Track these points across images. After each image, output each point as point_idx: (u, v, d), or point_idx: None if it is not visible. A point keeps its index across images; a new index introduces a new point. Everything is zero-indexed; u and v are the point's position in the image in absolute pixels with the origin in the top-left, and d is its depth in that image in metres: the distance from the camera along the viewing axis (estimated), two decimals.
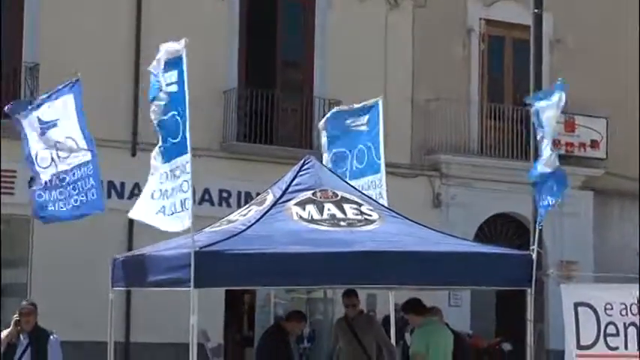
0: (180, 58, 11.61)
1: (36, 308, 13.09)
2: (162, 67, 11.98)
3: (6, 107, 14.31)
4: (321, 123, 16.64)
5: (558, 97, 12.48)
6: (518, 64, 26.85)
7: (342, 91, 25.44)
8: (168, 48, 12.06)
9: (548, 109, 12.78)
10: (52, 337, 12.90)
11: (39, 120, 13.26)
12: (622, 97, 27.58)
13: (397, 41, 28.27)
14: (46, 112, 13.26)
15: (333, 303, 24.43)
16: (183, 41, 11.33)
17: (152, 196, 12.15)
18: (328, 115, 16.75)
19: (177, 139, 11.57)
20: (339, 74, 27.14)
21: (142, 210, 12.47)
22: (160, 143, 11.88)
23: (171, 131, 11.71)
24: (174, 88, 11.75)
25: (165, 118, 11.78)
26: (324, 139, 16.23)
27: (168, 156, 11.79)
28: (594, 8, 28.08)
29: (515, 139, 26.04)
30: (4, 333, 12.69)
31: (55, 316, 21.29)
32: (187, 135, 11.26)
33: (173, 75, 11.75)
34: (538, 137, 12.76)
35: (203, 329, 18.76)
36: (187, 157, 11.21)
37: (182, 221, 11.26)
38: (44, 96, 13.42)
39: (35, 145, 13.35)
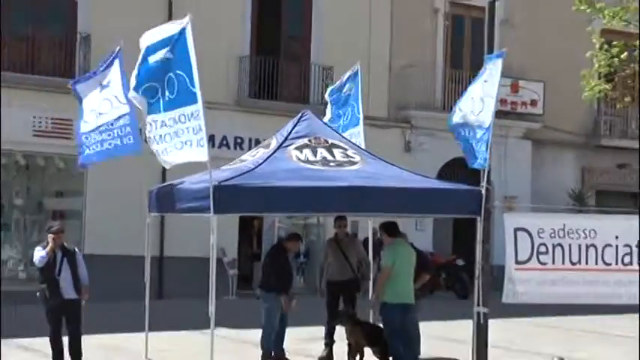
0: (181, 33, 11.76)
1: (62, 230, 13.33)
2: (160, 40, 12.25)
3: (69, 83, 14.79)
4: (326, 96, 16.92)
5: (497, 65, 12.74)
6: (474, 38, 27.41)
7: (334, 58, 26.09)
8: (165, 27, 12.68)
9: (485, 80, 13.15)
10: (77, 251, 13.41)
11: (100, 84, 13.62)
12: (557, 65, 27.96)
13: (378, 18, 28.27)
14: (104, 77, 13.56)
15: (324, 227, 24.69)
16: (187, 17, 11.66)
17: (163, 140, 12.36)
18: (339, 85, 16.74)
19: (177, 94, 11.79)
20: (330, 45, 27.21)
21: (167, 156, 12.75)
22: (151, 99, 12.18)
23: (171, 89, 11.93)
24: (169, 55, 11.92)
25: (160, 79, 12.04)
26: (329, 106, 16.62)
27: (167, 107, 12.00)
28: None
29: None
30: (48, 248, 12.86)
31: (104, 236, 22.82)
32: (196, 90, 11.52)
33: (169, 46, 11.96)
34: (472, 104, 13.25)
35: (221, 247, 19.03)
36: (197, 106, 11.55)
37: (202, 153, 11.74)
38: (102, 66, 13.78)
39: (89, 104, 13.87)
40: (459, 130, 13.35)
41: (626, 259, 12.38)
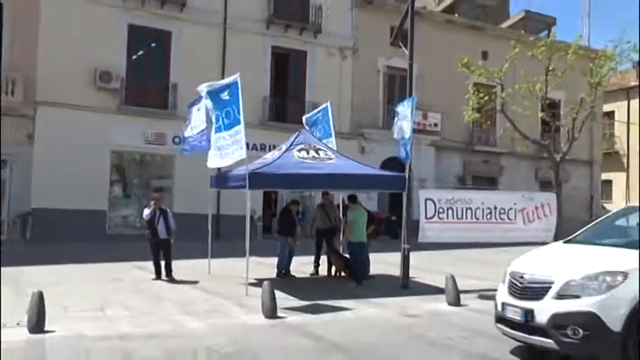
0: (234, 82, 12.13)
1: (161, 197, 14.07)
2: (223, 85, 12.66)
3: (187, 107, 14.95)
4: (306, 119, 16.99)
5: (412, 104, 13.44)
6: (401, 86, 25.82)
7: (319, 98, 24.88)
8: (223, 81, 13.23)
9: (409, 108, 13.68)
10: (168, 210, 14.03)
11: (192, 112, 14.37)
12: (449, 103, 27.38)
13: (345, 75, 28.48)
14: (194, 107, 14.27)
15: (313, 197, 24.32)
16: (238, 74, 12.11)
17: (219, 149, 12.70)
18: (311, 115, 17.19)
19: (230, 120, 12.04)
20: (317, 89, 27.07)
21: (212, 160, 13.19)
22: (219, 124, 12.54)
23: (228, 116, 12.22)
24: (226, 96, 12.30)
25: (223, 111, 12.40)
26: (307, 127, 16.22)
27: (225, 128, 12.25)
28: (438, 61, 27.35)
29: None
30: (151, 208, 13.60)
31: (185, 202, 22.77)
32: (241, 118, 11.79)
33: (227, 90, 12.32)
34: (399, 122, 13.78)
35: (252, 208, 17.97)
36: (241, 126, 11.80)
37: (243, 154, 11.80)
38: (196, 102, 14.26)
39: (189, 121, 14.49)
40: (396, 140, 13.89)
41: (488, 217, 13.14)
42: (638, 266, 6.20)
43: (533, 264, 7.13)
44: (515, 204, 13.28)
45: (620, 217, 8.36)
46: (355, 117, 28.41)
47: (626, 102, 42.86)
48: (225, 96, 12.55)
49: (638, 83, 41.83)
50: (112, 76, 23.63)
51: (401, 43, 15.97)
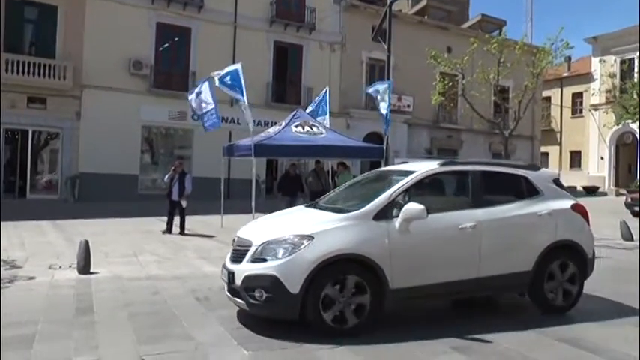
0: (234, 70, 12.36)
1: (181, 164, 13.68)
2: (225, 71, 12.64)
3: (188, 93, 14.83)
4: (310, 106, 16.74)
5: (388, 85, 13.84)
6: (380, 74, 26.94)
7: (312, 83, 26.38)
8: (230, 67, 12.95)
9: (384, 91, 13.96)
10: (187, 174, 13.47)
11: (197, 93, 13.99)
12: (419, 87, 26.30)
13: (334, 64, 28.28)
14: (201, 90, 13.89)
15: (307, 164, 23.46)
16: (240, 63, 12.47)
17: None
18: (311, 103, 17.01)
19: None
20: (311, 76, 27.18)
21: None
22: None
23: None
24: (229, 81, 12.42)
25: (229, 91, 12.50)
26: (309, 108, 16.49)
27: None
28: (411, 54, 26.69)
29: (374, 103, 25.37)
30: (171, 172, 13.36)
31: (203, 168, 22.11)
32: (245, 98, 12.01)
33: (228, 76, 12.42)
34: (380, 101, 14.06)
35: (257, 173, 16.60)
36: (245, 104, 12.03)
37: (250, 123, 12.22)
38: (199, 84, 14.24)
39: (196, 102, 14.06)
40: (381, 116, 14.05)
41: None
42: (329, 228, 5.35)
43: (250, 227, 6.13)
44: None
45: (370, 181, 6.97)
46: (342, 99, 28.22)
47: (559, 89, 43.49)
48: (227, 80, 12.56)
49: (568, 74, 42.42)
50: (143, 65, 23.81)
51: (380, 39, 15.90)
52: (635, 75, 31.95)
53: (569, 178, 40.91)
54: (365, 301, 5.24)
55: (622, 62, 37.03)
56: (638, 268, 8.89)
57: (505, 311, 6.58)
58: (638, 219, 17.54)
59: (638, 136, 34.14)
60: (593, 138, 39.61)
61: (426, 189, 6.02)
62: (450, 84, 15.71)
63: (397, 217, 5.47)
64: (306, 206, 6.79)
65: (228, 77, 12.51)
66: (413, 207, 5.41)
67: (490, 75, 14.82)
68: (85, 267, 8.12)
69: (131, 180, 23.42)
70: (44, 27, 22.50)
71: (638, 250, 11.33)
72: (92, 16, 22.91)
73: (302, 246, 5.19)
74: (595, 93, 38.10)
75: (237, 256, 5.58)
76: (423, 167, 6.15)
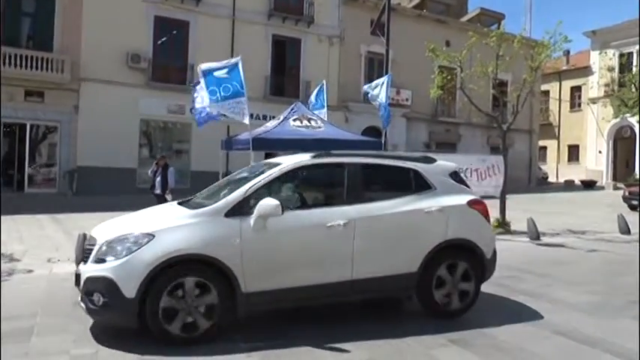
0: (236, 64, 11.70)
1: (164, 157, 13.57)
2: (223, 65, 11.86)
3: (194, 83, 14.06)
4: (312, 97, 16.40)
5: (387, 79, 13.94)
6: (379, 68, 25.00)
7: (310, 77, 26.14)
8: (225, 61, 12.24)
9: (382, 85, 14.11)
10: (170, 168, 13.30)
11: (194, 87, 13.29)
12: (418, 81, 26.41)
13: (333, 57, 28.16)
14: (200, 85, 12.73)
15: None
16: (239, 57, 11.87)
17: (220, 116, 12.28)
18: (314, 94, 16.45)
19: (229, 93, 11.35)
20: (309, 70, 27.07)
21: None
22: (216, 96, 11.51)
23: (226, 91, 11.48)
24: (224, 74, 11.65)
25: (221, 86, 11.57)
26: (310, 100, 16.24)
27: (222, 99, 11.38)
28: (410, 48, 26.46)
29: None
30: (153, 167, 13.36)
31: (201, 161, 22.57)
32: (245, 91, 11.37)
33: (226, 70, 11.71)
34: (378, 95, 14.17)
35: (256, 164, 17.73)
36: (244, 97, 11.35)
37: (247, 121, 11.38)
38: (200, 79, 12.94)
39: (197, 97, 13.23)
40: (380, 110, 14.13)
41: None
42: (173, 226, 4.85)
43: (104, 224, 5.51)
44: (470, 164, 13.21)
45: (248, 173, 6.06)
46: (341, 93, 28.16)
47: (558, 83, 43.51)
48: (222, 74, 11.98)
49: (567, 68, 42.39)
50: (141, 58, 23.68)
51: (379, 33, 15.84)
52: (634, 68, 31.88)
53: (567, 172, 41.02)
54: (213, 305, 4.77)
55: (621, 56, 37.02)
56: (638, 260, 8.89)
57: (499, 304, 6.53)
58: (637, 212, 17.55)
59: (636, 129, 34.15)
60: (592, 132, 39.62)
61: (293, 183, 5.60)
62: (449, 77, 15.57)
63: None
64: (180, 202, 5.95)
65: (224, 71, 11.99)
66: (267, 203, 4.90)
67: (489, 69, 14.75)
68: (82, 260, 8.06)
69: (129, 173, 23.32)
70: (42, 20, 22.36)
71: (636, 244, 11.37)
72: (90, 10, 22.80)
73: (141, 245, 4.68)
74: (593, 87, 38.24)
75: (86, 255, 5.04)
76: (293, 159, 5.62)
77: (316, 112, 15.14)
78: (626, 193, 20.87)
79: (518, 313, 6.04)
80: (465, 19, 36.22)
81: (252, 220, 4.91)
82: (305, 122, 13.70)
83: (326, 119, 14.94)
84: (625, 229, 13.51)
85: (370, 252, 5.31)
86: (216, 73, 11.92)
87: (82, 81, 22.65)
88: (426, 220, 5.61)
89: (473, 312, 6.01)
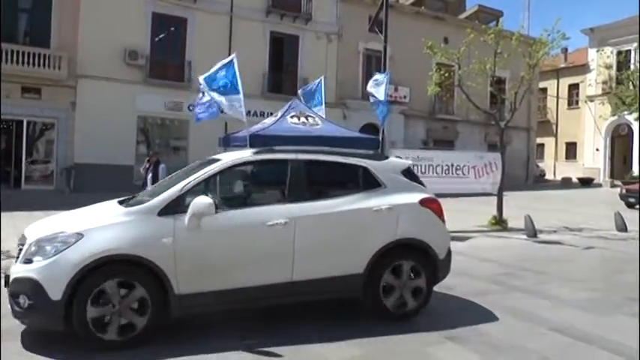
0: (231, 62, 11.51)
1: (156, 154, 13.53)
2: (220, 65, 11.73)
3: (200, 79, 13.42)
4: (303, 92, 15.94)
5: (386, 75, 13.75)
6: (377, 65, 25.25)
7: (308, 73, 25.55)
8: (223, 60, 12.14)
9: (382, 81, 13.86)
10: (161, 164, 13.12)
11: (199, 88, 12.89)
12: (416, 78, 26.47)
13: (330, 55, 28.05)
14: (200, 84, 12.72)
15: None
16: (234, 54, 11.58)
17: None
18: (309, 88, 16.10)
19: (227, 87, 11.27)
20: (307, 67, 26.93)
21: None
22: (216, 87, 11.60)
23: (224, 86, 11.45)
24: (221, 73, 11.64)
25: (219, 82, 11.53)
26: (303, 98, 15.42)
27: (220, 94, 11.43)
28: (408, 45, 26.51)
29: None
30: (146, 164, 13.23)
31: (198, 158, 23.70)
32: (240, 88, 11.27)
33: (224, 68, 11.64)
34: (377, 92, 13.99)
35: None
36: (239, 95, 11.29)
37: (243, 119, 11.13)
38: (202, 77, 12.80)
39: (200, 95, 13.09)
40: (375, 107, 14.02)
41: (447, 172, 12.97)
42: (104, 224, 4.64)
43: (40, 222, 5.22)
44: (468, 161, 13.21)
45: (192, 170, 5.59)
46: (339, 90, 28.13)
47: (555, 80, 43.57)
48: (219, 75, 12.00)
49: (565, 65, 42.42)
50: (139, 55, 23.64)
51: (377, 30, 15.79)
52: (632, 66, 31.92)
53: (565, 170, 41.06)
54: (144, 303, 4.57)
55: (619, 53, 37.01)
56: (638, 258, 8.90)
57: (494, 301, 6.48)
58: (633, 210, 17.59)
59: (633, 127, 34.22)
60: (589, 129, 39.70)
61: (233, 180, 5.43)
62: (447, 75, 15.63)
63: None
64: (120, 200, 5.61)
65: (222, 72, 11.94)
66: (199, 201, 4.70)
67: (487, 66, 14.76)
68: None
69: (126, 170, 23.05)
70: (39, 16, 22.28)
71: (633, 241, 11.43)
72: (87, 6, 22.71)
73: (69, 245, 4.45)
74: (591, 84, 38.28)
75: (17, 255, 4.79)
76: (234, 155, 5.44)
77: (314, 109, 14.82)
78: (624, 191, 20.95)
79: (513, 309, 6.02)
80: (463, 16, 36.20)
81: (186, 218, 4.70)
82: (303, 119, 13.16)
83: (324, 116, 14.61)
84: (622, 227, 13.53)
85: (312, 252, 5.11)
86: (216, 75, 12.00)
87: (80, 77, 22.57)
88: (374, 219, 5.40)
89: (467, 309, 6.01)
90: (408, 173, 5.94)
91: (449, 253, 5.88)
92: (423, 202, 5.70)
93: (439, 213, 5.79)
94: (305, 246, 5.05)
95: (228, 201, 5.24)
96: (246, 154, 5.41)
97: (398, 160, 6.19)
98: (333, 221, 5.22)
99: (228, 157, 5.34)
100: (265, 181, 5.74)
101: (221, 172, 5.19)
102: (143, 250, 4.54)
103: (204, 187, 5.06)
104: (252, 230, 4.94)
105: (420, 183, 6.02)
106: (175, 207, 4.76)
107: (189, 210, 4.69)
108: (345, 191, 5.50)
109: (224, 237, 4.87)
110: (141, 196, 5.62)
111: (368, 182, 5.60)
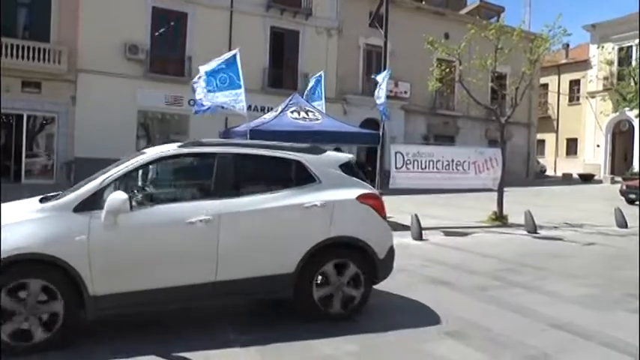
0: (234, 56, 11.85)
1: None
2: (222, 60, 12.07)
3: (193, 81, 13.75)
4: (306, 91, 16.38)
5: (386, 73, 13.96)
6: (377, 60, 25.30)
7: (309, 69, 25.28)
8: (223, 55, 12.43)
9: (383, 79, 14.00)
10: None
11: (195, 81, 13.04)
12: (416, 73, 26.48)
13: (331, 51, 28.14)
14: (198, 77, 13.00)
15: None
16: (237, 49, 12.05)
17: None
18: (310, 85, 16.50)
19: (226, 84, 11.53)
20: (308, 62, 26.87)
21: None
22: (212, 86, 11.81)
23: (222, 81, 11.69)
24: (223, 66, 11.91)
25: (217, 76, 11.79)
26: (306, 93, 16.14)
27: (219, 89, 11.62)
28: (408, 40, 26.33)
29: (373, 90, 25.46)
30: None
31: None
32: (242, 83, 11.47)
33: (224, 62, 11.91)
34: (378, 90, 14.11)
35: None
36: (241, 90, 11.54)
37: (244, 113, 11.61)
38: (200, 72, 13.07)
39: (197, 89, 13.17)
40: (377, 103, 14.09)
41: (447, 168, 12.85)
42: (15, 221, 4.34)
43: None
44: (468, 157, 13.14)
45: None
46: (339, 85, 28.16)
47: (557, 76, 43.54)
48: (221, 66, 12.15)
49: (566, 61, 42.37)
50: (139, 49, 23.70)
51: (377, 25, 15.72)
52: (633, 62, 31.84)
53: (565, 166, 41.04)
54: (57, 310, 4.28)
55: (620, 49, 37.01)
56: (639, 254, 8.88)
57: (494, 297, 6.44)
58: (633, 206, 17.55)
59: (634, 123, 34.16)
60: (590, 125, 39.65)
61: (156, 174, 5.20)
62: (447, 70, 15.58)
63: None
64: (43, 196, 5.28)
65: (223, 66, 12.19)
66: (114, 197, 4.41)
67: (487, 61, 14.70)
68: None
69: None
70: (39, 10, 22.25)
71: (634, 237, 11.38)
72: (87, 0, 22.66)
73: None
74: (592, 80, 38.18)
75: None
76: (157, 149, 5.19)
77: (314, 104, 15.11)
78: (624, 187, 20.97)
79: (513, 305, 6.00)
80: (464, 11, 36.29)
81: (102, 215, 4.42)
82: (303, 114, 13.47)
83: (324, 111, 14.89)
84: (622, 223, 13.52)
85: (237, 251, 4.86)
86: (213, 65, 12.08)
87: (80, 72, 22.59)
88: (306, 216, 5.12)
89: (467, 304, 5.96)
90: (348, 168, 5.59)
91: (390, 252, 5.62)
92: (361, 198, 5.41)
93: (380, 210, 5.54)
94: (230, 244, 4.80)
95: (150, 197, 5.03)
96: (172, 147, 5.15)
97: (336, 153, 5.92)
98: (260, 218, 4.96)
99: (152, 151, 5.12)
100: (191, 176, 5.51)
101: (144, 166, 4.96)
102: (56, 249, 4.27)
103: (126, 182, 4.79)
104: (171, 228, 4.67)
105: (361, 178, 5.71)
106: (92, 203, 4.50)
107: (105, 206, 4.42)
108: (276, 187, 5.22)
109: (142, 235, 4.59)
110: (66, 191, 5.20)
111: (301, 177, 5.31)
